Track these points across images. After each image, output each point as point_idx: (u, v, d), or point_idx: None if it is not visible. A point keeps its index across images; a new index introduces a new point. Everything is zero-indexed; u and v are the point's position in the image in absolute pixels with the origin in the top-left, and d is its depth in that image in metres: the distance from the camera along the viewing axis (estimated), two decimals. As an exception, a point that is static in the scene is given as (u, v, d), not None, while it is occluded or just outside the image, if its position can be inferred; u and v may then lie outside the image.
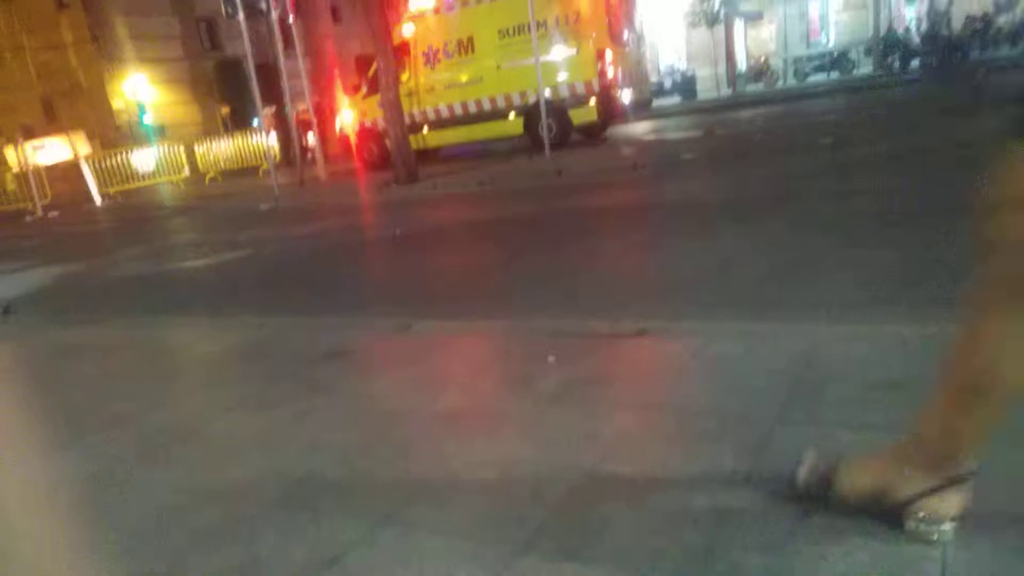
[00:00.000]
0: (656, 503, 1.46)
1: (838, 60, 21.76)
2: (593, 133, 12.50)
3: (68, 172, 23.91)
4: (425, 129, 12.85)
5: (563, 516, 1.46)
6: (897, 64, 20.78)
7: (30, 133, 28.19)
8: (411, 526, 1.51)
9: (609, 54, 11.27)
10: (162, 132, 28.21)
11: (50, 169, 22.17)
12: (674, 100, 23.23)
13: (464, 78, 12.39)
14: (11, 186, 25.18)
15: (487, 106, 12.30)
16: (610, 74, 11.31)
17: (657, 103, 22.96)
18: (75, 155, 16.98)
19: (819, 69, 22.17)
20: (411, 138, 12.31)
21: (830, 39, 22.68)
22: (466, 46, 12.29)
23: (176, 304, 4.60)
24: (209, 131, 31.75)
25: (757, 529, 1.33)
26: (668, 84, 24.89)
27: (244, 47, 11.54)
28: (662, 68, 26.43)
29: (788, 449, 1.59)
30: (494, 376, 2.40)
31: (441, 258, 5.09)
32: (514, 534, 1.43)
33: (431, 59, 12.72)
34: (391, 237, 6.19)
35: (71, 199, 18.93)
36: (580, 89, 11.50)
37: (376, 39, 9.76)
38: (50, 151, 17.94)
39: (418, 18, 12.90)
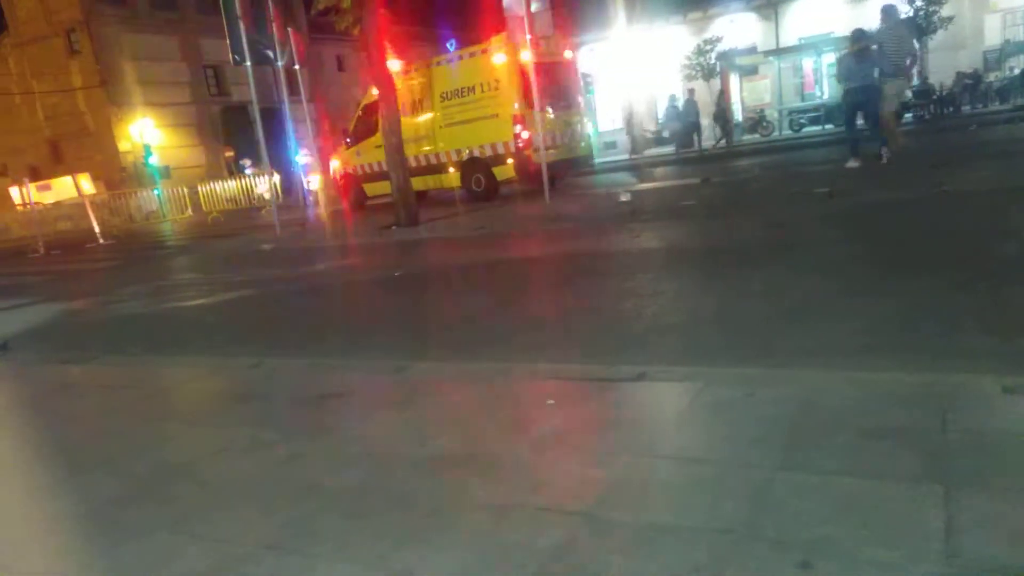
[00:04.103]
0: (655, 552, 1.43)
1: (832, 112, 22.14)
2: (531, 184, 13.42)
3: (72, 211, 24.13)
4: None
5: (560, 564, 1.44)
6: (891, 117, 21.15)
7: (36, 174, 28.59)
8: (405, 572, 1.48)
9: (524, 118, 12.52)
10: (167, 173, 28.54)
11: (55, 208, 22.34)
12: (672, 148, 23.59)
13: (417, 134, 13.71)
14: (15, 224, 25.42)
15: (433, 160, 13.78)
16: (524, 136, 12.48)
17: (655, 151, 23.33)
18: (79, 195, 17.13)
19: (814, 121, 22.54)
20: (378, 185, 14.09)
21: (824, 92, 23.12)
22: (418, 106, 13.81)
23: (174, 343, 4.58)
24: (213, 173, 32.19)
25: (758, 578, 1.31)
26: (667, 133, 25.28)
27: (250, 93, 11.76)
28: (660, 118, 26.88)
29: (788, 497, 1.57)
30: (492, 419, 2.38)
31: (440, 300, 5.09)
32: (510, 581, 1.40)
33: None
34: (390, 279, 6.21)
35: (75, 237, 19.01)
36: (500, 149, 12.88)
37: (378, 87, 9.96)
38: (55, 191, 18.12)
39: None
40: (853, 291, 3.57)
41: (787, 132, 22.77)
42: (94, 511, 1.98)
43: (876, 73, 8.94)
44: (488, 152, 13.07)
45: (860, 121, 9.76)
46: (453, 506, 1.74)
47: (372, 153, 14.38)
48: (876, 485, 1.57)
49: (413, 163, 13.61)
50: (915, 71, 9.48)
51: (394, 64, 14.00)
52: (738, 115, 24.12)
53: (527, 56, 12.32)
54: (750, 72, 24.50)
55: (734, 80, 24.31)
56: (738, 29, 26.66)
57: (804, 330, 3.05)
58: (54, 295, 7.92)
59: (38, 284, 9.52)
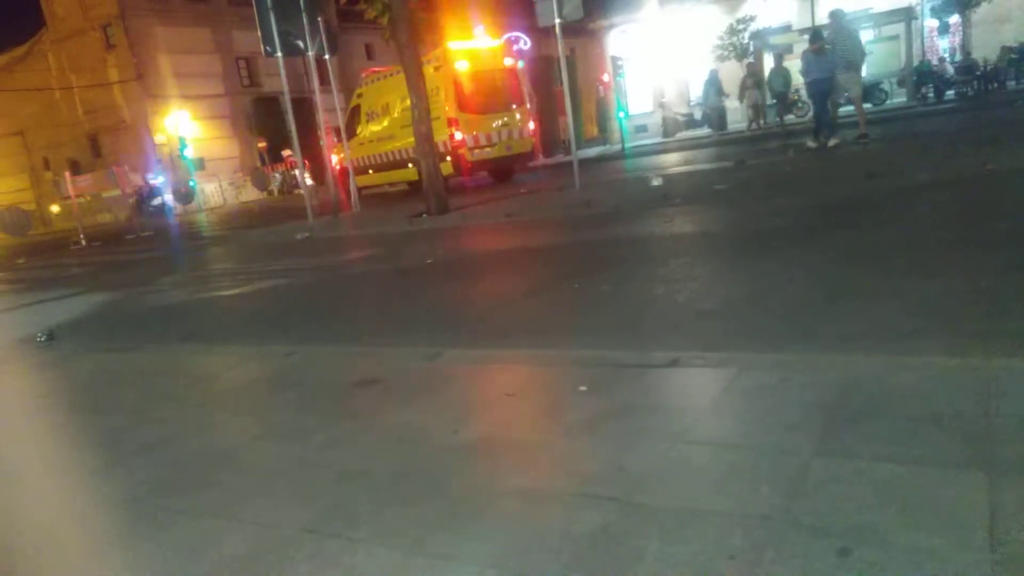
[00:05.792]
0: (690, 537, 1.43)
1: (870, 91, 21.53)
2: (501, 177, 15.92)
3: (112, 203, 24.71)
4: (370, 171, 16.49)
5: (594, 549, 1.44)
6: (932, 94, 20.54)
7: (76, 167, 29.30)
8: (442, 556, 1.50)
9: (458, 121, 14.27)
10: (201, 165, 29.04)
11: (94, 200, 22.85)
12: (704, 131, 23.24)
13: (385, 134, 15.87)
14: (57, 217, 26.13)
15: (396, 157, 15.71)
16: (457, 137, 14.24)
17: (687, 134, 23.01)
18: (118, 187, 17.55)
19: (849, 101, 21.97)
20: (364, 177, 16.17)
21: (862, 71, 22.51)
22: (386, 109, 15.87)
23: (211, 332, 4.68)
24: (247, 164, 32.68)
25: (796, 565, 1.30)
26: (698, 115, 24.91)
27: (281, 83, 11.88)
28: (692, 100, 26.48)
29: (826, 483, 1.55)
30: (525, 405, 2.39)
31: (471, 287, 5.11)
32: (545, 566, 1.41)
33: (371, 118, 16.31)
34: (422, 267, 6.25)
35: (115, 229, 19.48)
36: (442, 148, 14.35)
37: (408, 76, 9.97)
38: (95, 184, 18.57)
39: (365, 85, 16.71)
40: (894, 274, 3.50)
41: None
42: (139, 496, 2.04)
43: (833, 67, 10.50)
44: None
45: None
46: (488, 492, 1.75)
47: (357, 149, 16.46)
48: (918, 471, 1.54)
49: (381, 159, 16.07)
50: (864, 67, 11.53)
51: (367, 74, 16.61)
52: (770, 96, 23.58)
53: (462, 66, 14.50)
54: (783, 51, 23.96)
55: (767, 60, 23.77)
56: (772, 8, 26.05)
57: (843, 314, 2.99)
58: (97, 285, 8.13)
59: (81, 275, 9.79)
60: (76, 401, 3.30)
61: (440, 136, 14.41)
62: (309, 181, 18.67)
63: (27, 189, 35.82)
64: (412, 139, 14.90)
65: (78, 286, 8.25)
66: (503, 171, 15.88)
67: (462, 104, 14.49)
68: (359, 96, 16.71)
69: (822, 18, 24.79)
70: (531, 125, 15.82)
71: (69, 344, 4.65)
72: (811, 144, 10.92)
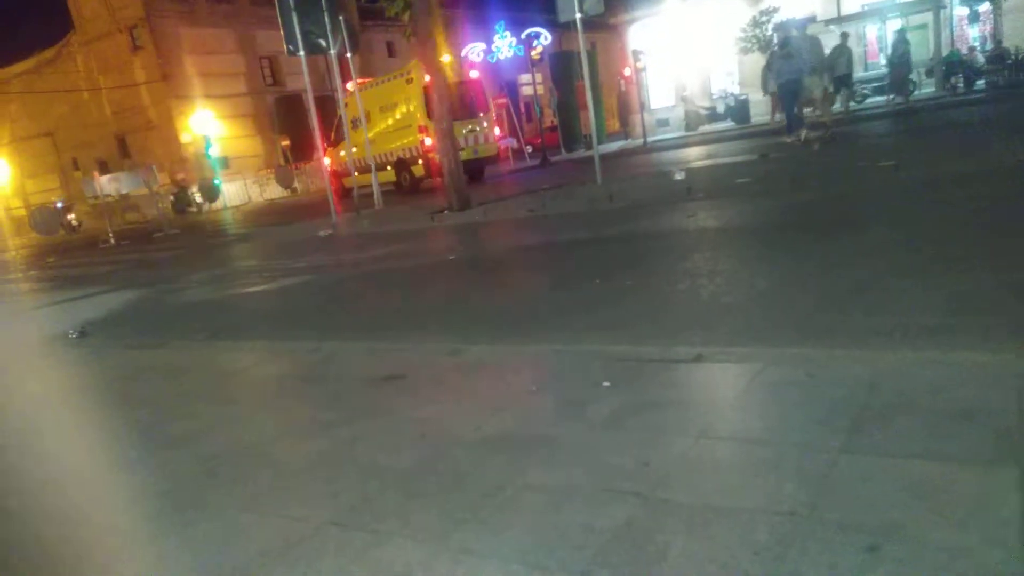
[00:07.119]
0: (714, 533, 1.42)
1: (902, 82, 21.13)
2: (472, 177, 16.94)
3: (139, 202, 25.13)
4: (355, 174, 17.13)
5: (618, 545, 1.44)
6: (961, 84, 20.11)
7: (105, 167, 29.80)
8: (467, 551, 1.51)
9: (427, 128, 15.52)
10: (226, 164, 29.37)
11: (122, 199, 23.24)
12: (727, 124, 23.00)
13: (367, 139, 16.88)
14: (87, 216, 26.61)
15: (377, 160, 16.70)
16: (427, 143, 15.91)
17: (709, 128, 22.78)
18: (146, 187, 17.86)
19: (878, 91, 21.60)
20: (351, 178, 16.48)
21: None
22: (367, 116, 16.94)
23: (237, 328, 4.74)
24: (270, 162, 33.02)
25: (823, 562, 1.29)
26: (721, 109, 24.65)
27: (304, 82, 11.97)
28: (715, 93, 26.21)
29: (854, 480, 1.54)
30: (547, 401, 2.39)
31: (494, 283, 5.12)
32: (569, 561, 1.41)
33: (355, 126, 17.28)
34: (444, 263, 6.27)
35: (142, 228, 19.78)
36: (414, 152, 16.73)
37: (429, 72, 10.00)
38: (123, 183, 18.90)
39: (349, 95, 17.42)
40: (922, 268, 3.44)
41: (850, 104, 21.86)
42: (166, 490, 2.08)
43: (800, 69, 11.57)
44: (408, 155, 16.93)
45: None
46: (511, 487, 1.76)
47: (346, 154, 17.71)
48: (948, 468, 1.52)
49: (364, 163, 16.91)
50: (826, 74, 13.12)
51: (351, 85, 17.58)
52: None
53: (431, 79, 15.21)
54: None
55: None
56: (795, -2, 25.64)
57: (870, 309, 2.95)
58: (126, 283, 8.27)
59: (111, 273, 9.96)
60: (107, 396, 3.37)
61: (414, 142, 16.43)
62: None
63: (57, 189, 36.51)
64: (391, 145, 17.07)
65: (108, 284, 8.40)
66: (473, 172, 17.09)
67: (432, 113, 15.41)
68: (345, 106, 17.58)
69: (848, 8, 24.44)
70: (496, 131, 17.38)
71: (100, 340, 4.74)
72: (788, 139, 11.98)
